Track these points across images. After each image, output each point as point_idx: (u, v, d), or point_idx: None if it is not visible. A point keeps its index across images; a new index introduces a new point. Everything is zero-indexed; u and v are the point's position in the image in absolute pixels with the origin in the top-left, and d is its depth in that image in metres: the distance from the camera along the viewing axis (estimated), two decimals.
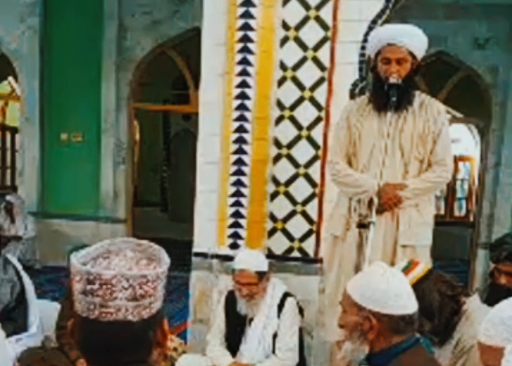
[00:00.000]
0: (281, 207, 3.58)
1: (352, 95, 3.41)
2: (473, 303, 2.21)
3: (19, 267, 3.27)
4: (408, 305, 1.66)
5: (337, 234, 2.93)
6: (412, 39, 2.71)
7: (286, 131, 3.53)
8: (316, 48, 3.45)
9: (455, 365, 2.15)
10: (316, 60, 3.46)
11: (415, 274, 2.10)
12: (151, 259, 1.11)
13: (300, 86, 3.49)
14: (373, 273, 1.71)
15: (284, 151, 3.55)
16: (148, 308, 1.07)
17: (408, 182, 2.76)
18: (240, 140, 3.47)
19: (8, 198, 6.80)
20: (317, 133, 3.51)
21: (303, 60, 3.47)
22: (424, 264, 2.24)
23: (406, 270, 2.09)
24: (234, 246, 3.55)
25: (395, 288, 1.65)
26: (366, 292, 1.65)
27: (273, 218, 3.59)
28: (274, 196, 3.58)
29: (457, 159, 9.81)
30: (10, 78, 9.05)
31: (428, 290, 2.05)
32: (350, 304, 1.70)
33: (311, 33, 3.44)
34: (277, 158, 3.56)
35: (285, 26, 3.46)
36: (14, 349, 2.86)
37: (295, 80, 3.49)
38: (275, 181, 3.57)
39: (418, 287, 1.87)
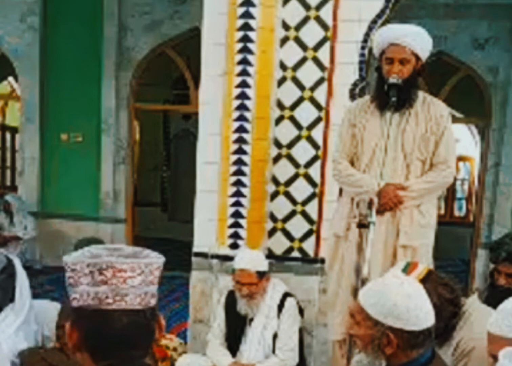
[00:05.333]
0: (281, 207, 3.58)
1: (352, 95, 3.41)
2: (472, 304, 2.19)
3: (18, 262, 3.21)
4: (428, 317, 1.56)
5: (339, 234, 2.92)
6: (416, 39, 2.70)
7: (286, 131, 3.53)
8: (316, 48, 3.45)
9: None
10: (316, 60, 3.46)
11: (415, 276, 2.02)
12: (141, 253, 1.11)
13: (300, 86, 3.49)
14: (390, 285, 1.57)
15: (284, 151, 3.55)
16: (154, 297, 1.09)
17: (411, 182, 2.75)
18: (240, 140, 3.47)
19: (6, 197, 6.81)
20: (317, 133, 3.50)
21: (303, 60, 3.47)
22: (423, 265, 2.20)
23: (406, 272, 2.04)
24: (234, 246, 3.55)
25: (415, 302, 1.54)
26: (384, 306, 1.53)
27: (273, 218, 3.59)
28: (274, 196, 3.58)
29: (457, 159, 9.79)
30: (10, 78, 9.05)
31: (427, 294, 2.01)
32: (364, 317, 1.57)
33: (311, 33, 3.44)
34: (277, 158, 3.56)
35: (285, 26, 3.46)
36: (15, 343, 2.81)
37: (295, 80, 3.49)
38: (275, 181, 3.57)
39: None
